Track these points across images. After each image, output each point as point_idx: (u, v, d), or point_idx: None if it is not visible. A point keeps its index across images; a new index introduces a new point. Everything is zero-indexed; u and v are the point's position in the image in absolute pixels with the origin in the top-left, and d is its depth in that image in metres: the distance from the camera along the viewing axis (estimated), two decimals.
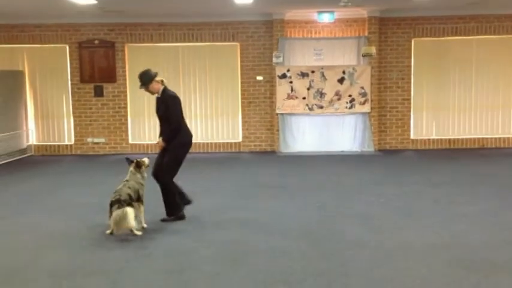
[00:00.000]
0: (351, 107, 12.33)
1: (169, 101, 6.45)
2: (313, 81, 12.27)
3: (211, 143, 12.84)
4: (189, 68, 12.79)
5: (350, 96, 12.27)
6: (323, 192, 8.22)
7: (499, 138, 12.50)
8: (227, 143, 12.87)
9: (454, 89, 12.53)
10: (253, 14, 12.18)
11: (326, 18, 12.05)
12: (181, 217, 6.59)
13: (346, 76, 12.23)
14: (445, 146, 12.51)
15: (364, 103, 12.29)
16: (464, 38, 12.36)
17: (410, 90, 12.55)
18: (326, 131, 12.53)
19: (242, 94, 12.74)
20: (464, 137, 12.55)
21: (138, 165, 6.28)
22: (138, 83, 6.48)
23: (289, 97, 12.35)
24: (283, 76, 12.31)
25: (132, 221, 5.78)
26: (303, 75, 12.26)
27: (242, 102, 12.75)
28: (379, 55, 12.27)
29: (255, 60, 12.62)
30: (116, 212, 5.75)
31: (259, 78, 12.63)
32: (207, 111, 12.84)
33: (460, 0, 11.09)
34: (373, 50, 11.89)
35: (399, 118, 12.64)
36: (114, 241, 5.78)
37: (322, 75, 12.25)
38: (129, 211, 5.77)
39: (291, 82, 12.30)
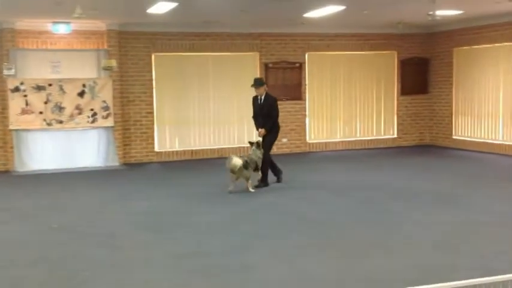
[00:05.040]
0: (93, 121, 11.95)
1: (274, 103, 9.16)
2: (50, 94, 11.55)
3: None
4: None
5: (92, 110, 11.89)
6: (63, 212, 7.78)
7: (236, 148, 13.38)
8: None
9: (194, 102, 13.09)
10: None
11: (62, 29, 11.50)
12: (267, 184, 9.10)
13: (86, 89, 11.81)
14: (188, 157, 12.99)
15: (107, 117, 12.03)
16: (201, 54, 13.04)
17: (153, 104, 12.72)
18: (67, 147, 11.91)
19: None
20: (204, 148, 13.21)
21: (258, 145, 8.84)
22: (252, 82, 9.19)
23: (23, 112, 11.40)
24: (16, 89, 11.32)
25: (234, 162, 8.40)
26: (39, 88, 11.46)
27: None
28: (121, 68, 12.17)
29: None
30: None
31: None
32: None
33: (194, 18, 11.66)
34: (114, 63, 11.75)
35: (143, 131, 12.71)
36: None
37: (61, 88, 11.62)
38: (234, 157, 8.53)
39: (25, 96, 11.37)
